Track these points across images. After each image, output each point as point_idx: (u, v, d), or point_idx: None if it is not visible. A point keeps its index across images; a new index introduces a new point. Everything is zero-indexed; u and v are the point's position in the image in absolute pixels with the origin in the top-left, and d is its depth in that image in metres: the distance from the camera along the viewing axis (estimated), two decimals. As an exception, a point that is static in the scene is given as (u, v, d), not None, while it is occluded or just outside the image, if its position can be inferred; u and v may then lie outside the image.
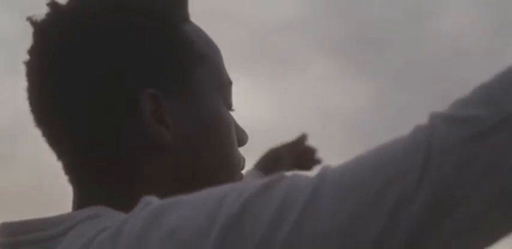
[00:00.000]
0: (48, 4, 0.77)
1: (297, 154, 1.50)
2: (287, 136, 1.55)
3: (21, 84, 0.78)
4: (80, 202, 0.76)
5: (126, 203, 0.68)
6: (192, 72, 0.77)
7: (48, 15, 0.77)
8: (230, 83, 0.82)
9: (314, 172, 0.58)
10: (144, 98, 0.73)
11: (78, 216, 0.68)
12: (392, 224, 0.53)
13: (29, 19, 0.77)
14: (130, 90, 0.73)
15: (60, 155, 0.77)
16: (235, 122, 0.83)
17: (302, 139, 1.51)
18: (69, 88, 0.74)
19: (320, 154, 1.58)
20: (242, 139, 0.83)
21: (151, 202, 0.62)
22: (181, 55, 0.77)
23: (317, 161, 1.57)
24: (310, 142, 1.50)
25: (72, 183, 0.77)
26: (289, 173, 0.59)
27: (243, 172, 0.82)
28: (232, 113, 0.83)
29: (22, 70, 0.78)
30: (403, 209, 0.53)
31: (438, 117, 0.56)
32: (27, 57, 0.77)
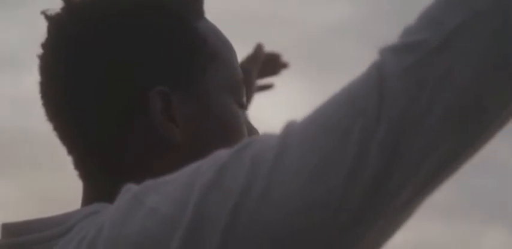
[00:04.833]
0: None
1: (261, 62, 1.45)
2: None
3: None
4: (87, 198, 0.76)
5: None
6: (203, 70, 0.76)
7: (62, 10, 0.77)
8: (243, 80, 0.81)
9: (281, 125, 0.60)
10: (154, 95, 0.73)
11: (80, 214, 0.68)
12: (360, 161, 0.54)
13: (44, 14, 0.77)
14: (141, 87, 0.73)
15: (70, 150, 0.77)
16: (247, 121, 0.82)
17: (258, 48, 1.46)
18: (80, 83, 0.74)
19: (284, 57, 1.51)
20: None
21: (131, 188, 0.63)
22: (193, 53, 0.76)
23: (284, 65, 1.50)
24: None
25: (81, 178, 0.77)
26: (257, 137, 0.61)
27: None
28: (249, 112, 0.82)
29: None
30: (368, 145, 0.54)
31: (386, 49, 0.57)
32: (40, 51, 0.78)
